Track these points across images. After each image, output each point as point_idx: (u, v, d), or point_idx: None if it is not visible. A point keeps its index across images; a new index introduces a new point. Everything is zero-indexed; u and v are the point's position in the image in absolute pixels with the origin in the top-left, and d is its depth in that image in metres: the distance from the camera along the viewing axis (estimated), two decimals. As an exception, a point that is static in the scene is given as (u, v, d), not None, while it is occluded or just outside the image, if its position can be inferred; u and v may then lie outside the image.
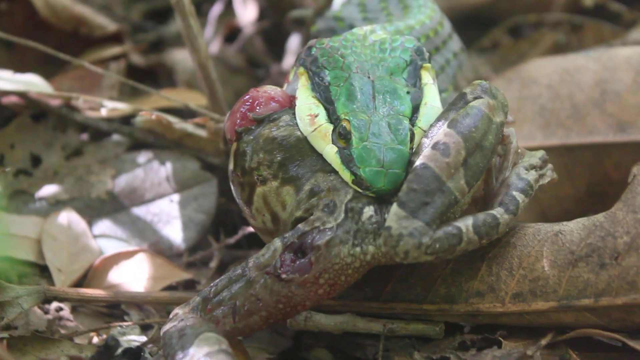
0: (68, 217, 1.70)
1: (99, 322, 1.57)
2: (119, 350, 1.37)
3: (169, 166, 1.79)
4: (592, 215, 1.39)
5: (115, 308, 1.61)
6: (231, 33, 2.38)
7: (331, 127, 1.38)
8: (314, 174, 1.37)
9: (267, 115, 1.43)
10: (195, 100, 1.89)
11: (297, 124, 1.40)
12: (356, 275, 1.36)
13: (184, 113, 1.88)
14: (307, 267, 1.33)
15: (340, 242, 1.33)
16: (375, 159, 1.33)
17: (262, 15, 2.37)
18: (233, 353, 1.28)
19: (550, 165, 1.45)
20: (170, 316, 1.35)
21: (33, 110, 1.85)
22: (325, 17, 1.75)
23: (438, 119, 1.37)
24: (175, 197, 1.78)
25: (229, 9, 2.41)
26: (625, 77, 1.74)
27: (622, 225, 1.36)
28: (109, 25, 2.09)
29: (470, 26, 2.22)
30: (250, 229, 1.66)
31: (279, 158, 1.39)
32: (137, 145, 1.83)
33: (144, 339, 1.51)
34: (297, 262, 1.33)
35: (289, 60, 2.24)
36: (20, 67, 1.89)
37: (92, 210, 1.76)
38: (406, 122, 1.36)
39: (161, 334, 1.32)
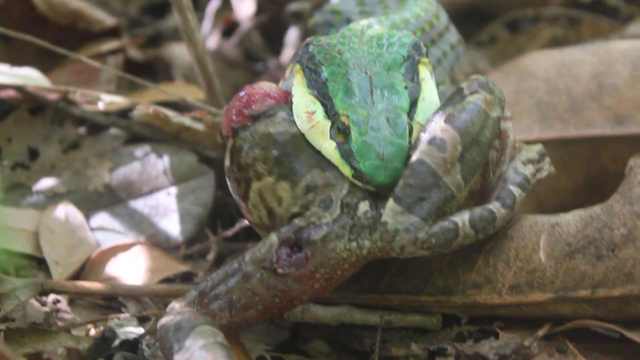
0: (65, 210, 1.70)
1: (96, 314, 1.57)
2: (116, 342, 1.37)
3: (166, 159, 1.79)
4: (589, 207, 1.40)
5: (113, 300, 1.61)
6: (229, 27, 2.38)
7: (329, 123, 1.37)
8: (309, 170, 1.37)
9: (263, 111, 1.43)
10: (193, 94, 1.89)
11: (293, 120, 1.40)
12: (352, 270, 1.36)
13: (182, 107, 1.89)
14: (303, 262, 1.33)
15: (336, 237, 1.33)
16: (375, 153, 1.32)
17: (259, 9, 2.37)
18: (229, 345, 1.28)
19: (547, 159, 1.44)
20: (167, 310, 1.35)
21: (31, 103, 1.85)
22: (323, 11, 1.75)
23: (435, 114, 1.37)
24: (173, 190, 1.78)
25: (226, 3, 2.41)
26: (622, 70, 1.74)
27: (619, 217, 1.36)
28: (106, 19, 2.09)
29: (468, 20, 2.22)
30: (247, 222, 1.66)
31: (274, 154, 1.38)
32: (134, 138, 1.83)
33: (141, 331, 1.51)
34: (294, 257, 1.33)
35: (287, 54, 2.24)
36: (18, 61, 1.89)
37: (89, 203, 1.76)
38: (405, 117, 1.36)
39: (158, 327, 1.32)
